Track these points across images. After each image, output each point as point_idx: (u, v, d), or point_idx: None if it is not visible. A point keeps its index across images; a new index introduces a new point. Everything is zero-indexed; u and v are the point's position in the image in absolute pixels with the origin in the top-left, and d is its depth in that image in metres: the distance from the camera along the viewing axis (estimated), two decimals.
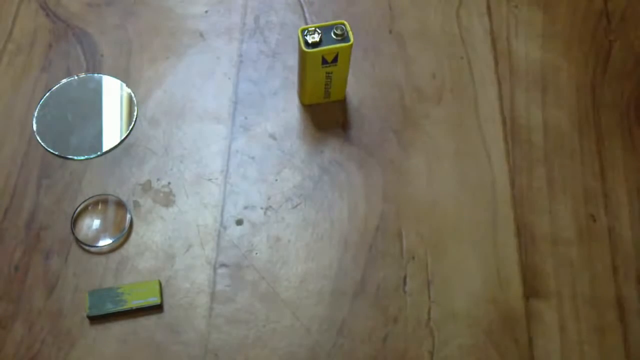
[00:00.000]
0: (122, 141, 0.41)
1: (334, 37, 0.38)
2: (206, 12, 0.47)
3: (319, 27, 0.38)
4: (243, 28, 0.46)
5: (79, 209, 0.38)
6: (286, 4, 0.47)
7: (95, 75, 0.43)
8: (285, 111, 0.42)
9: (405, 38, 0.45)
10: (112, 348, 0.34)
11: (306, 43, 0.38)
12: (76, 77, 0.43)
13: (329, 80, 0.40)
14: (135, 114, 0.42)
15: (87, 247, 0.37)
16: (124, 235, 0.38)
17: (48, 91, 0.43)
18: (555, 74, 0.44)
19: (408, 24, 0.46)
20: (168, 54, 0.45)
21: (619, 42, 0.46)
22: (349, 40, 0.38)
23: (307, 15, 0.47)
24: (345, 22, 0.38)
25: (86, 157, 0.40)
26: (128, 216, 0.38)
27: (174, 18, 0.46)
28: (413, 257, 0.37)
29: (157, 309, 0.35)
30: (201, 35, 0.46)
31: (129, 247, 0.37)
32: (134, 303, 0.35)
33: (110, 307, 0.35)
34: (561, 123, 0.42)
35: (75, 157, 0.40)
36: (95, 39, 0.45)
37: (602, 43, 0.46)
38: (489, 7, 0.47)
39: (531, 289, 0.37)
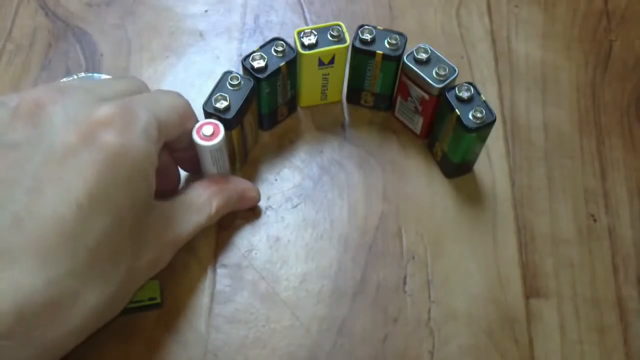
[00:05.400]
0: None
1: (330, 38, 0.38)
2: (206, 11, 0.47)
3: (315, 29, 0.38)
4: (243, 27, 0.46)
5: None
6: (286, 3, 0.47)
7: (95, 74, 0.43)
8: None
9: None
10: (111, 347, 0.34)
11: (302, 45, 0.37)
12: (76, 77, 0.43)
13: (326, 82, 0.40)
14: None
15: None
16: None
17: None
18: (555, 73, 0.44)
19: (408, 23, 0.46)
20: (167, 53, 0.45)
21: (619, 42, 0.46)
22: (345, 42, 0.38)
23: (307, 14, 0.47)
24: (342, 24, 0.38)
25: None
26: None
27: (174, 18, 0.46)
28: (413, 257, 0.37)
29: (157, 308, 0.35)
30: (201, 34, 0.46)
31: None
32: (133, 303, 0.35)
33: None
34: (561, 123, 0.42)
35: None
36: (94, 38, 0.45)
37: (602, 43, 0.46)
38: (489, 7, 0.47)
39: (531, 289, 0.37)
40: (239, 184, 0.37)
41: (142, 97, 0.32)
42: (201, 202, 0.34)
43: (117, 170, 0.27)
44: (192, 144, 0.35)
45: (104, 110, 0.28)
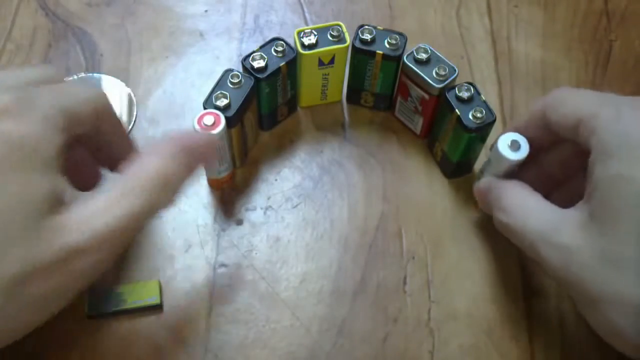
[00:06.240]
0: None
1: (330, 38, 0.38)
2: (206, 11, 0.47)
3: (315, 29, 0.38)
4: (243, 27, 0.46)
5: None
6: (286, 3, 0.47)
7: (95, 74, 0.43)
8: None
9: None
10: (111, 348, 0.34)
11: (302, 45, 0.37)
12: (76, 77, 0.43)
13: (326, 82, 0.40)
14: (134, 113, 0.42)
15: None
16: None
17: None
18: (555, 73, 0.44)
19: (408, 23, 0.46)
20: (168, 53, 0.45)
21: (619, 42, 0.46)
22: (345, 42, 0.38)
23: (306, 14, 0.47)
24: (342, 24, 0.38)
25: None
26: None
27: (174, 17, 0.46)
28: (413, 257, 0.37)
29: (157, 308, 0.35)
30: (201, 34, 0.46)
31: (129, 247, 0.37)
32: (133, 303, 0.35)
33: (109, 307, 0.35)
34: None
35: None
36: (94, 38, 0.45)
37: (602, 43, 0.46)
38: (489, 7, 0.47)
39: (531, 289, 0.36)
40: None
41: (49, 86, 0.31)
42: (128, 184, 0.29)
43: (11, 158, 0.27)
44: (111, 142, 0.33)
45: (1, 100, 0.28)
